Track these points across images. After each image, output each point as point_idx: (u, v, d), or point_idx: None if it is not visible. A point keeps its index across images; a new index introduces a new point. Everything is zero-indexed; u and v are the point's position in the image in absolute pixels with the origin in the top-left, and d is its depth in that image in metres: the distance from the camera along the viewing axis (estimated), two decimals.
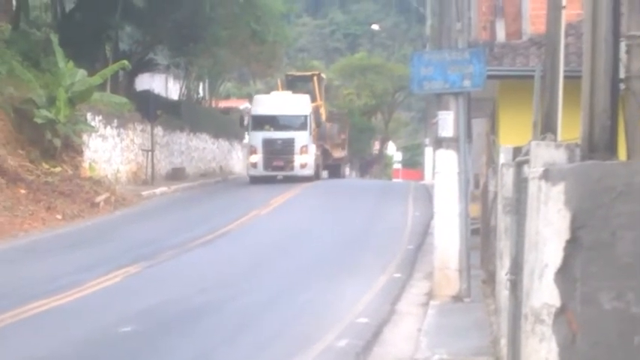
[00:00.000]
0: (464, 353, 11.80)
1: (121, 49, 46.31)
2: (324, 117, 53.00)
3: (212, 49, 47.08)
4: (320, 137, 49.69)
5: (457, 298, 15.41)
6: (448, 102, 15.70)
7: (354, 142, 72.86)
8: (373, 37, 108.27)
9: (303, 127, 45.29)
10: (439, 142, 15.90)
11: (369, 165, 77.08)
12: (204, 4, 41.94)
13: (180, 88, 57.93)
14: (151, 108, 40.55)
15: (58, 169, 32.20)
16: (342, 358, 11.87)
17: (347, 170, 55.91)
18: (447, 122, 15.61)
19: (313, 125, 46.41)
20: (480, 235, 17.98)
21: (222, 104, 66.40)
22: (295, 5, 65.32)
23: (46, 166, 31.78)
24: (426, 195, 33.83)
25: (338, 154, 54.28)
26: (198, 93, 61.76)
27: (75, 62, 34.19)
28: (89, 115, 35.82)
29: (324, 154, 50.43)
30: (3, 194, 28.16)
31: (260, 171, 44.67)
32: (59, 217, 28.12)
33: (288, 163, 44.66)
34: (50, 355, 12.10)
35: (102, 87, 36.83)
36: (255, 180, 43.82)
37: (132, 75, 45.45)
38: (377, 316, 14.51)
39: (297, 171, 44.54)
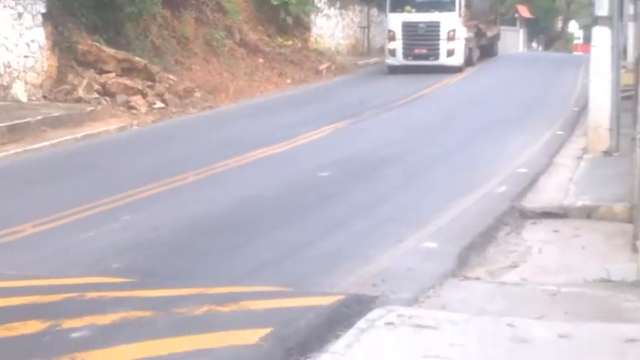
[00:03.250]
0: (605, 199, 11.33)
1: None
2: None
3: None
4: (473, 16, 35.73)
5: (607, 153, 14.78)
6: None
7: (539, 21, 70.81)
8: None
9: (450, 7, 32.32)
10: (595, 20, 15.18)
11: (553, 40, 74.92)
12: None
13: None
14: None
15: (290, 42, 32.45)
16: (498, 202, 11.51)
17: (497, 47, 42.37)
18: (602, 2, 14.86)
19: (464, 5, 33.00)
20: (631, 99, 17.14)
21: None
22: None
23: (280, 40, 32.06)
24: None
25: (491, 32, 40.24)
26: None
27: None
28: None
29: (479, 34, 36.50)
30: (244, 62, 28.59)
31: (399, 60, 32.29)
32: (289, 81, 28.39)
33: (433, 51, 32.12)
34: (260, 194, 12.14)
35: None
36: (394, 70, 32.11)
37: None
38: (535, 167, 14.02)
39: (443, 60, 32.03)
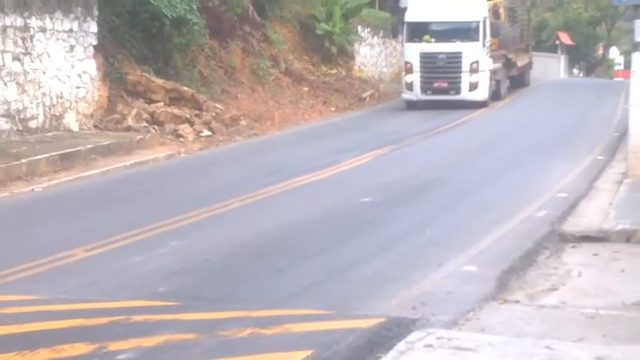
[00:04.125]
0: None
1: None
2: (503, 17, 33.52)
3: None
4: (502, 45, 31.98)
5: None
6: None
7: (580, 48, 70.33)
8: None
9: (474, 36, 28.67)
10: (635, 46, 15.05)
11: (594, 66, 74.47)
12: None
13: None
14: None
15: (334, 70, 32.68)
16: (538, 226, 11.43)
17: (529, 76, 38.44)
18: None
19: (489, 33, 29.42)
20: None
21: None
22: None
23: (324, 69, 32.29)
24: None
25: (522, 61, 36.35)
26: None
27: None
28: (359, 27, 35.95)
29: (508, 65, 32.92)
30: (290, 91, 28.80)
31: (417, 94, 28.75)
32: (333, 109, 28.53)
33: (454, 85, 28.61)
34: (304, 219, 12.18)
35: (371, 4, 36.87)
36: (413, 105, 28.77)
37: None
38: (576, 191, 13.90)
39: (465, 94, 28.54)
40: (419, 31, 29.08)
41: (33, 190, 15.02)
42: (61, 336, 6.90)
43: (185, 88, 22.86)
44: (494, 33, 29.97)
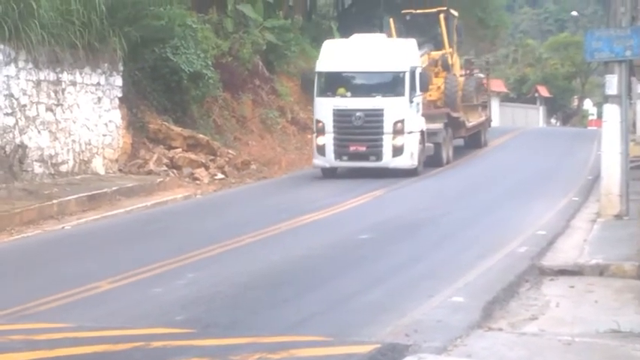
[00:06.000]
0: (616, 258, 11.16)
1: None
2: (457, 69, 28.27)
3: None
4: (448, 101, 25.70)
5: (618, 217, 14.62)
6: (613, 68, 14.87)
7: (557, 100, 70.69)
8: (577, 21, 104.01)
9: (399, 90, 21.40)
10: (606, 98, 15.16)
11: (570, 117, 74.80)
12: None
13: None
14: None
15: None
16: (520, 260, 11.42)
17: (486, 136, 30.48)
18: (612, 83, 14.82)
19: (419, 86, 22.03)
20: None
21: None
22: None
23: None
24: None
25: (475, 118, 28.38)
26: None
27: None
28: None
29: (454, 125, 25.41)
30: (295, 138, 28.91)
31: (330, 160, 21.62)
32: None
33: (373, 149, 21.36)
34: (307, 254, 12.18)
35: None
36: (327, 173, 21.88)
37: None
38: (553, 229, 13.89)
39: (388, 161, 21.28)
40: (333, 84, 21.87)
41: (63, 227, 15.04)
42: None
43: (201, 136, 22.95)
44: (424, 86, 22.68)
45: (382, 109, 21.29)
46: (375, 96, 21.48)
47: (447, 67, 26.79)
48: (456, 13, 28.38)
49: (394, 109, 21.30)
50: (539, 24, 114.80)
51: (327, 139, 21.57)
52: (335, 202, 17.14)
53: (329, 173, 21.90)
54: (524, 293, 9.81)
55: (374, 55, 21.96)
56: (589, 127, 63.02)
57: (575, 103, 76.72)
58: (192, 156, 21.96)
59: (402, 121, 21.32)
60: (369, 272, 10.89)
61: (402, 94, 21.46)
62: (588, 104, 78.04)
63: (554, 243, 12.77)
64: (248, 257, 12.07)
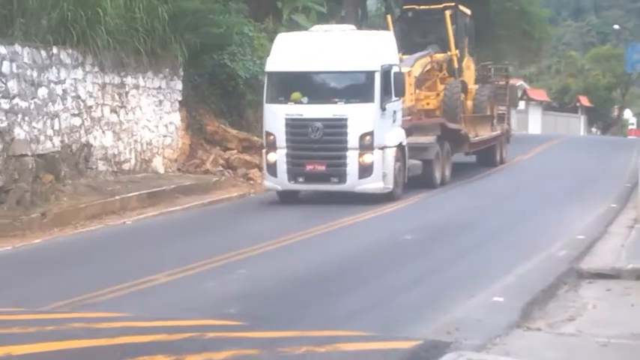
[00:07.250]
0: None
1: None
2: (470, 76, 23.88)
3: (494, 44, 44.53)
4: (447, 110, 21.30)
5: None
6: None
7: (598, 109, 69.91)
8: (619, 34, 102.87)
9: (367, 94, 16.52)
10: None
11: (610, 126, 73.88)
12: (489, 12, 40.49)
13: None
14: None
15: None
16: (559, 263, 11.25)
17: (503, 152, 25.22)
18: None
19: (395, 90, 16.97)
20: None
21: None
22: (561, 11, 62.03)
23: None
24: None
25: (486, 131, 23.40)
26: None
27: None
28: None
29: (452, 138, 20.56)
30: None
31: (282, 182, 16.97)
32: None
33: (335, 169, 16.64)
34: (353, 253, 12.17)
35: None
36: (282, 197, 17.40)
37: None
38: (592, 234, 13.65)
39: (353, 182, 16.55)
40: (285, 87, 17.02)
41: (124, 222, 15.19)
42: (144, 349, 6.93)
43: (255, 138, 23.00)
44: (400, 90, 17.33)
45: (346, 119, 16.40)
46: (337, 102, 16.63)
47: (452, 72, 22.71)
48: (467, 11, 23.91)
49: (361, 118, 16.40)
50: (581, 36, 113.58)
51: (279, 156, 16.84)
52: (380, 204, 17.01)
53: (285, 197, 17.27)
54: (563, 295, 9.67)
55: (337, 51, 16.84)
56: (629, 137, 62.24)
57: (616, 112, 75.81)
58: (247, 157, 22.05)
59: (371, 134, 16.37)
60: (413, 272, 10.80)
61: (370, 99, 16.51)
62: (628, 114, 77.17)
63: (593, 247, 12.56)
64: (297, 255, 12.06)
